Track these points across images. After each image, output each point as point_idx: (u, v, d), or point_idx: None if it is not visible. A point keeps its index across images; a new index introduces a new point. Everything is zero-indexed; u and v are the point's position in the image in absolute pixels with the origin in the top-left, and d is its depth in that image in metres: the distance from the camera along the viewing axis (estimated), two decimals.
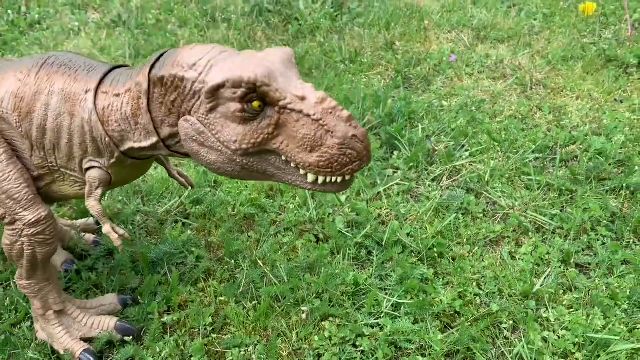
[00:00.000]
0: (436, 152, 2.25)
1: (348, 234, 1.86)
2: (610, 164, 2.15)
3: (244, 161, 1.09)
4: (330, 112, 1.04)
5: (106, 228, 1.30)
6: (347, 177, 1.07)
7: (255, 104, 1.04)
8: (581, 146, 2.28)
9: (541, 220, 1.93)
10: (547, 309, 1.63)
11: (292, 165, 1.08)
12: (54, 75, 1.23)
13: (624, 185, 2.04)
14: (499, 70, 2.83)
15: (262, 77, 1.02)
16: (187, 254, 1.80)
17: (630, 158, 2.17)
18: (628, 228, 1.89)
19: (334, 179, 1.07)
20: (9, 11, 3.55)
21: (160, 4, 3.47)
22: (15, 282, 1.70)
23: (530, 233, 1.90)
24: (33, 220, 1.31)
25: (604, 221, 1.93)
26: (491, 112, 2.52)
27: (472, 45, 3.04)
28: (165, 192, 2.05)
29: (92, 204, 1.28)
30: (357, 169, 1.05)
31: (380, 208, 2.00)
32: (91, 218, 1.90)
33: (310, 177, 1.08)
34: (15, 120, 1.25)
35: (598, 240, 1.86)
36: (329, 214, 1.95)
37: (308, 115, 1.03)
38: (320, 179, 1.08)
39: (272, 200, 2.02)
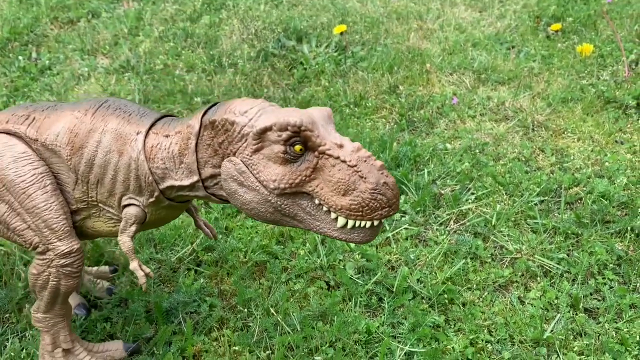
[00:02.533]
0: (442, 196, 2.29)
1: (359, 281, 1.89)
2: (613, 207, 2.19)
3: (278, 202, 1.18)
4: (365, 161, 1.13)
5: (133, 264, 1.37)
6: (375, 223, 1.14)
7: (297, 147, 1.14)
8: (584, 188, 2.32)
9: (548, 265, 1.96)
10: (558, 355, 1.65)
11: (325, 208, 1.16)
12: (109, 116, 1.36)
13: (629, 227, 2.07)
14: (501, 112, 2.90)
15: (307, 123, 1.13)
16: (200, 302, 1.82)
17: (633, 200, 2.21)
18: (634, 271, 1.92)
19: (362, 224, 1.15)
20: (20, 57, 3.64)
21: (168, 49, 3.56)
22: (31, 334, 1.72)
23: (538, 277, 1.92)
24: (65, 251, 1.39)
25: (611, 264, 1.96)
26: (494, 154, 2.57)
27: (474, 87, 3.11)
28: (178, 240, 2.08)
29: (124, 240, 1.36)
30: (386, 215, 1.13)
31: (390, 253, 2.03)
32: (106, 266, 1.92)
33: (341, 222, 1.15)
34: (66, 154, 1.36)
35: (605, 284, 1.89)
36: (339, 260, 1.98)
37: (344, 162, 1.13)
38: (350, 224, 1.15)
39: (282, 247, 2.05)
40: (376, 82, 3.14)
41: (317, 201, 1.16)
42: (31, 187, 1.36)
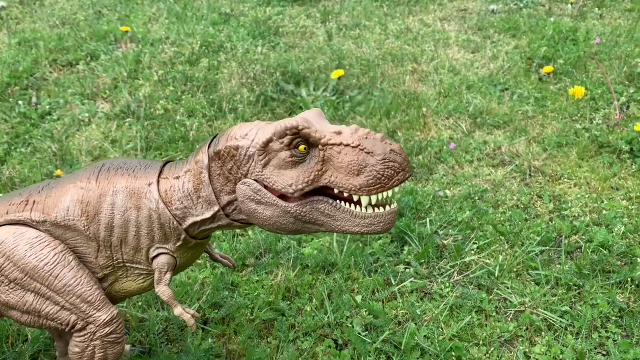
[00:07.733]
0: (445, 247, 2.32)
1: (366, 339, 1.90)
2: (613, 257, 2.23)
3: (298, 211, 1.24)
4: (366, 137, 1.19)
5: (178, 310, 1.39)
6: (395, 189, 1.20)
7: (301, 147, 1.21)
8: (583, 237, 2.36)
9: (552, 318, 1.99)
10: None
11: (345, 194, 1.22)
12: (114, 177, 1.37)
13: (629, 279, 2.11)
14: (497, 157, 2.95)
15: (302, 122, 1.21)
16: None
17: (631, 249, 2.26)
18: (636, 324, 1.95)
19: (380, 215, 1.22)
20: (20, 102, 3.66)
21: (168, 94, 3.61)
22: None
23: (542, 332, 1.95)
24: (107, 319, 1.39)
25: (613, 317, 1.99)
26: (493, 201, 2.61)
27: (470, 131, 3.17)
28: (185, 296, 2.09)
29: (162, 289, 1.38)
30: (403, 178, 1.19)
31: (396, 308, 2.05)
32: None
33: (364, 200, 1.21)
34: (83, 224, 1.36)
35: (609, 337, 1.92)
36: (347, 316, 2.00)
37: (348, 145, 1.19)
38: (373, 200, 1.21)
39: (289, 303, 2.07)
40: (374, 127, 3.20)
41: (336, 190, 1.21)
42: (56, 267, 1.35)
